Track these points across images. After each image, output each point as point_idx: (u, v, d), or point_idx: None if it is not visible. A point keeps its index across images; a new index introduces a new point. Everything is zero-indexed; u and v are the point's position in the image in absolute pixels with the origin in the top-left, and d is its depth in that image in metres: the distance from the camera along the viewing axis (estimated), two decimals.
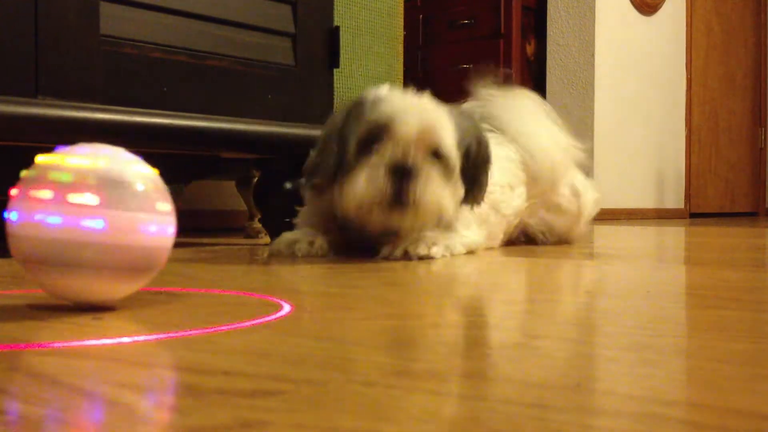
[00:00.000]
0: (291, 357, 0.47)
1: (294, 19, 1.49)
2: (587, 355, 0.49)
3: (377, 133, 1.14)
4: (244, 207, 2.01)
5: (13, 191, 0.60)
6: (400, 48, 1.94)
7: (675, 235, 2.21)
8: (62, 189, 0.58)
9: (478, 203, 1.26)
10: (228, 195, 2.25)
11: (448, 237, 1.20)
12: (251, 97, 1.43)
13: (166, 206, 0.62)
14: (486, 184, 1.25)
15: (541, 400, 0.37)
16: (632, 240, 1.75)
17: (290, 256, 1.19)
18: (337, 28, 1.56)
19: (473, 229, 1.28)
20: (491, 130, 1.48)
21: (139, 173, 0.60)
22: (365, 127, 1.15)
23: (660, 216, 3.85)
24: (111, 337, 0.53)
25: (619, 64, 3.59)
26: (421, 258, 1.14)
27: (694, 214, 4.14)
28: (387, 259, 1.14)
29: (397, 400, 0.37)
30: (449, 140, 1.17)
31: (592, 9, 3.45)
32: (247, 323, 0.57)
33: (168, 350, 0.50)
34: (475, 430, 0.32)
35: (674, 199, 4.05)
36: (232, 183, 2.01)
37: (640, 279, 0.99)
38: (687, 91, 4.09)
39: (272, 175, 1.54)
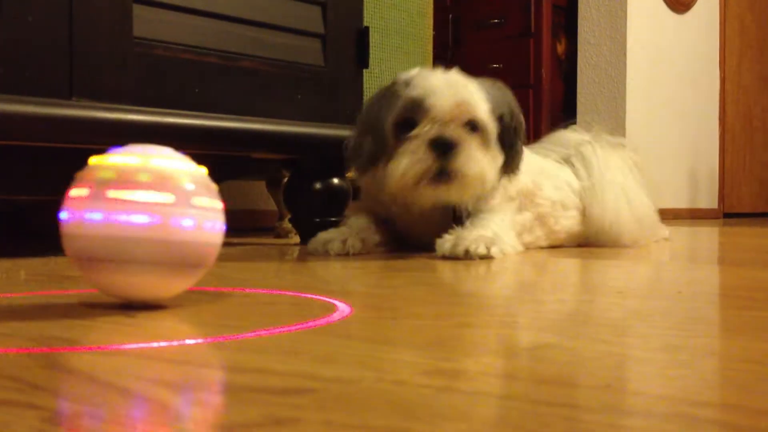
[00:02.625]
0: (321, 355, 0.47)
1: (323, 19, 1.50)
2: (618, 355, 0.49)
3: (413, 111, 1.19)
4: (274, 207, 2.03)
5: (70, 192, 0.61)
6: (430, 48, 1.94)
7: (708, 235, 2.18)
8: (113, 186, 0.59)
9: (515, 171, 1.28)
10: (258, 195, 2.27)
11: (501, 239, 1.21)
12: (281, 97, 1.44)
13: (216, 203, 0.63)
14: (521, 152, 1.28)
15: (572, 400, 0.37)
16: (665, 240, 1.73)
17: (324, 254, 1.22)
18: (367, 28, 1.57)
19: (512, 236, 1.28)
20: (560, 161, 1.50)
21: (189, 171, 0.61)
22: (401, 106, 1.20)
23: (693, 216, 3.81)
24: (146, 336, 0.54)
25: (651, 63, 3.55)
26: (481, 258, 1.14)
27: (727, 214, 4.09)
28: (446, 257, 1.15)
29: (427, 399, 0.37)
30: (484, 111, 1.21)
31: (623, 7, 3.42)
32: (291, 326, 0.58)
33: (201, 348, 0.50)
34: (506, 429, 0.32)
35: (707, 199, 4.00)
36: (262, 183, 2.02)
37: (672, 279, 0.98)
38: (720, 89, 4.04)
39: (302, 176, 1.55)
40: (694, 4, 3.79)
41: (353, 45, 1.55)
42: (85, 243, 0.60)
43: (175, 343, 0.51)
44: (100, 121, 1.16)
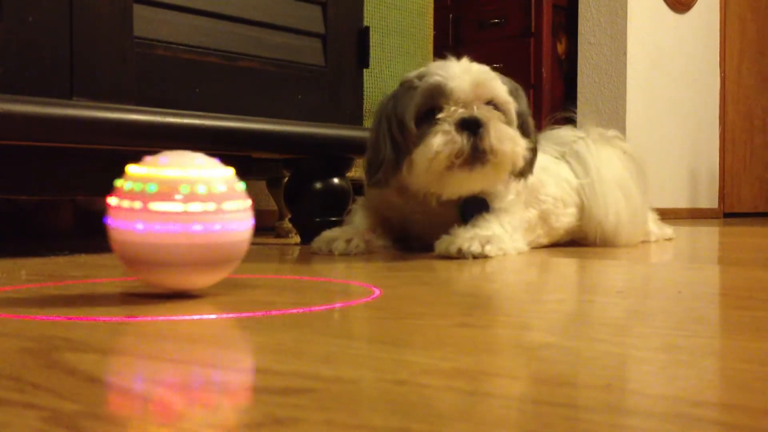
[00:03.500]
0: (321, 355, 0.47)
1: (324, 19, 1.50)
2: (618, 355, 0.49)
3: (435, 98, 1.18)
4: (274, 207, 2.03)
5: (112, 201, 0.67)
6: (430, 48, 1.94)
7: (708, 234, 2.18)
8: (158, 198, 0.65)
9: (527, 172, 1.27)
10: (258, 195, 2.27)
11: (500, 238, 1.20)
12: (282, 97, 1.44)
13: (245, 202, 0.69)
14: (535, 141, 1.27)
15: (571, 399, 0.37)
16: (666, 239, 1.73)
17: (328, 253, 1.23)
18: (367, 28, 1.57)
19: (518, 236, 1.28)
20: (557, 157, 1.50)
21: (220, 176, 0.68)
22: (420, 94, 1.19)
23: (693, 216, 3.81)
24: (146, 336, 0.54)
25: (651, 63, 3.55)
26: (475, 257, 1.14)
27: (728, 213, 4.09)
28: (442, 257, 1.15)
29: (427, 399, 0.37)
30: (503, 90, 1.22)
31: (623, 7, 3.42)
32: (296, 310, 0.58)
33: (200, 348, 0.50)
34: (506, 429, 0.32)
35: (708, 199, 4.00)
36: (263, 183, 2.02)
37: (671, 279, 0.98)
38: (721, 89, 4.04)
39: (302, 175, 1.55)
40: (695, 3, 3.79)
41: (354, 45, 1.55)
42: (128, 249, 0.66)
43: (173, 342, 0.51)
44: (101, 121, 1.16)
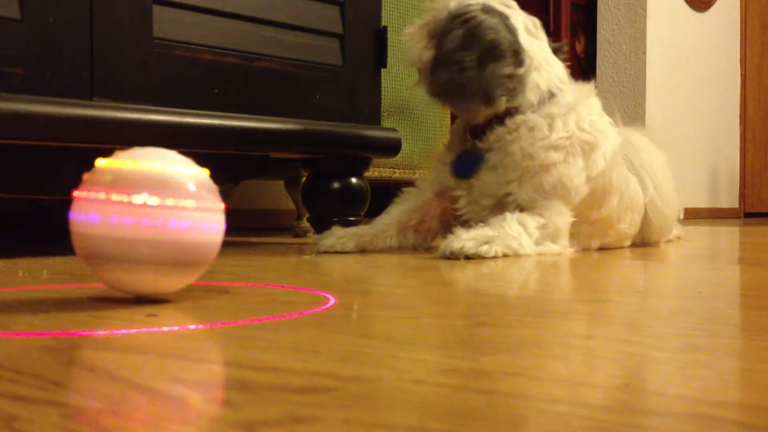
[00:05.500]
0: (340, 354, 0.47)
1: (342, 19, 1.50)
2: (637, 355, 0.48)
3: None
4: (292, 206, 2.03)
5: (77, 193, 0.63)
6: None
7: (729, 235, 2.17)
8: (123, 190, 0.61)
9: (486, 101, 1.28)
10: (277, 194, 2.27)
11: (512, 237, 1.17)
12: (300, 97, 1.44)
13: (217, 204, 0.65)
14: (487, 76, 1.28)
15: (590, 399, 0.37)
16: (684, 239, 1.72)
17: (317, 250, 1.28)
18: (385, 28, 1.57)
19: (560, 242, 1.25)
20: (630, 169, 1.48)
21: (191, 174, 0.64)
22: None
23: (714, 216, 3.78)
24: (166, 334, 0.54)
25: (671, 62, 3.53)
26: (468, 257, 1.12)
27: (748, 213, 4.05)
28: (440, 258, 1.14)
29: (445, 398, 0.37)
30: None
31: (643, 5, 3.40)
32: (294, 315, 0.58)
33: (220, 346, 0.51)
34: (524, 429, 0.32)
35: (728, 199, 3.97)
36: (281, 183, 2.03)
37: (692, 279, 0.98)
38: (741, 88, 4.00)
39: (320, 175, 1.55)
40: (715, 2, 3.76)
41: (372, 45, 1.55)
42: (88, 242, 0.63)
43: (193, 340, 0.52)
44: (121, 121, 1.16)
